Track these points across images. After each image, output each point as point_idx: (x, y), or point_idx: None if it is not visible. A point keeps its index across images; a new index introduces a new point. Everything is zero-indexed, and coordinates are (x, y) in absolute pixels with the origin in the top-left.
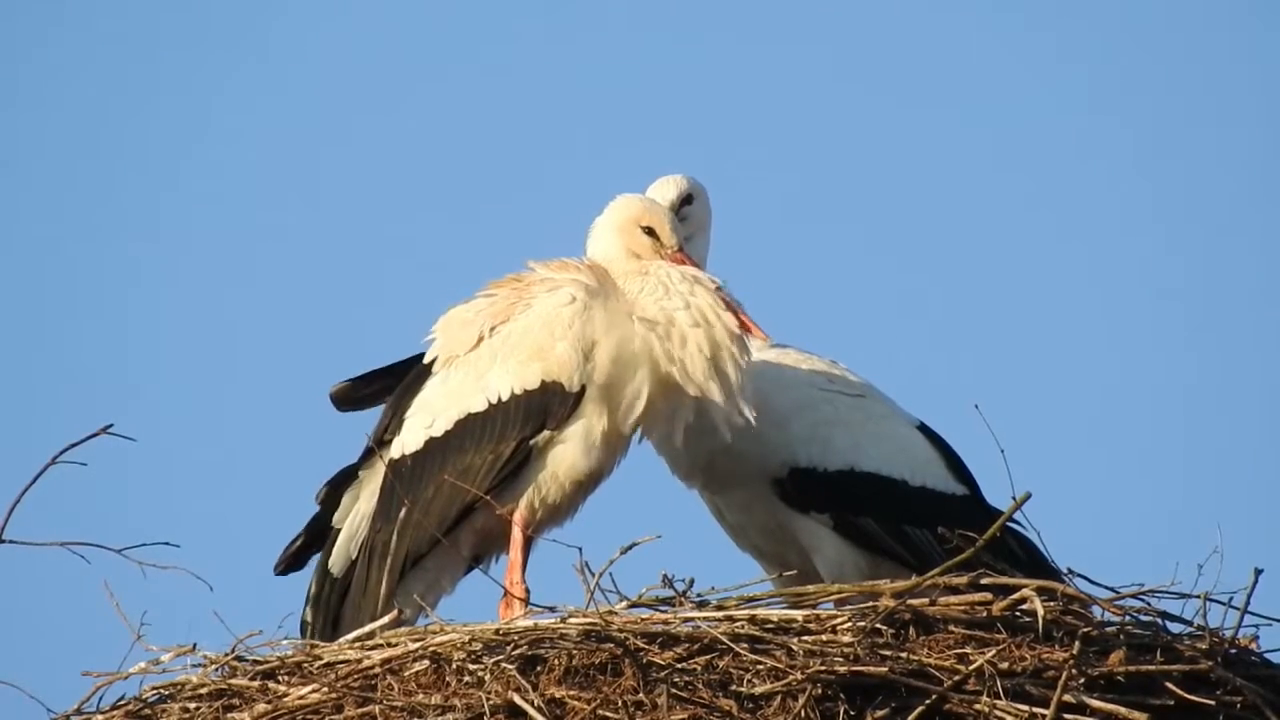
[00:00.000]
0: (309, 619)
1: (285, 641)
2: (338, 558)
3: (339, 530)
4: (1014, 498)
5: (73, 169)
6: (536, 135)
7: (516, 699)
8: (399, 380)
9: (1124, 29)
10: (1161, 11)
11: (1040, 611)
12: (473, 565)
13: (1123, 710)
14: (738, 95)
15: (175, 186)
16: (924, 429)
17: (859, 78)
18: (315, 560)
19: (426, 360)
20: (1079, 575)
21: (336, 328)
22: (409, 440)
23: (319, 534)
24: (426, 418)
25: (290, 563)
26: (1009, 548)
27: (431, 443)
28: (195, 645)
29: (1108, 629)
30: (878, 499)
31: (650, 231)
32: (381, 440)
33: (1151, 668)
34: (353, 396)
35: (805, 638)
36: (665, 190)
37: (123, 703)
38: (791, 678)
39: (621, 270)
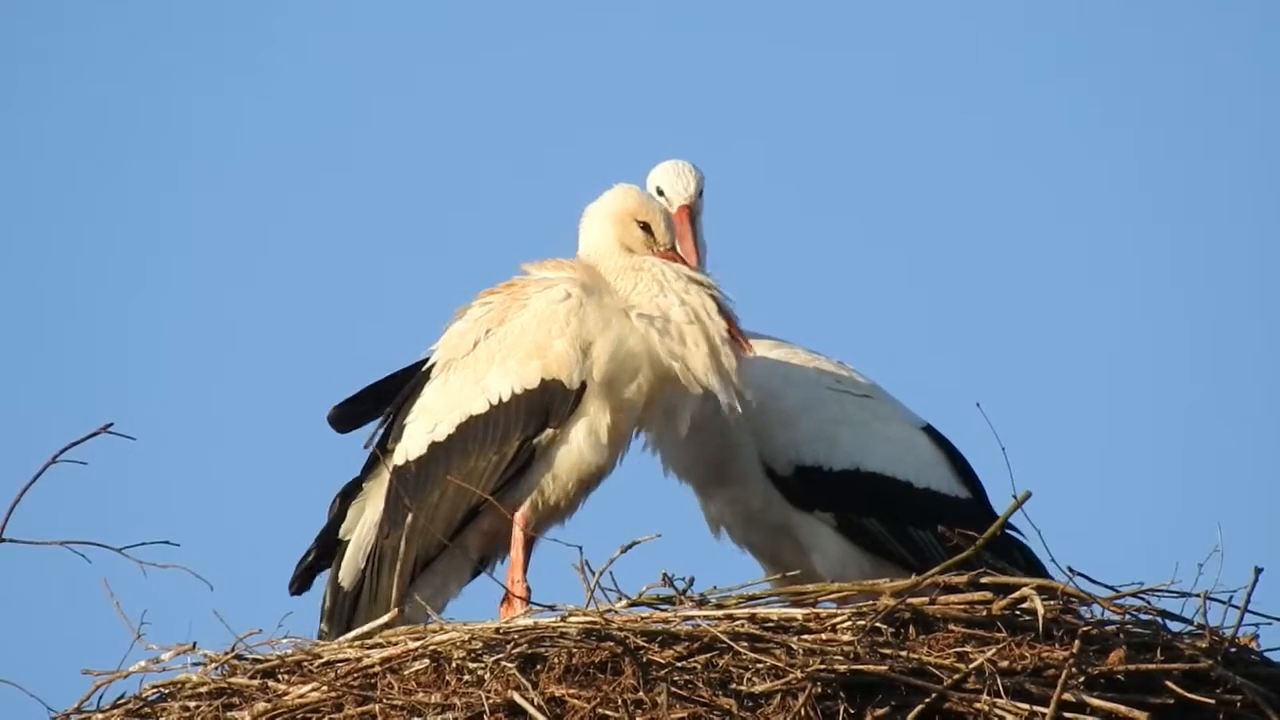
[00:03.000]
0: (325, 630)
1: (285, 640)
2: (347, 569)
3: (348, 543)
4: (1014, 497)
5: (73, 168)
6: (537, 132)
7: (516, 698)
8: (394, 393)
9: (1125, 28)
10: (1162, 11)
11: (1040, 610)
12: (480, 568)
13: (1123, 709)
14: (736, 89)
15: (175, 186)
16: (930, 431)
17: (859, 74)
18: (327, 574)
19: (426, 367)
20: (1079, 574)
21: (338, 327)
22: (412, 446)
23: (328, 548)
24: (428, 422)
25: (304, 580)
26: (1009, 549)
27: (435, 447)
28: (195, 644)
29: (1108, 628)
30: (882, 499)
31: (645, 227)
32: (384, 448)
33: (1151, 666)
34: (351, 416)
35: (805, 636)
36: (685, 180)
37: (123, 701)
38: (791, 676)
39: (614, 265)
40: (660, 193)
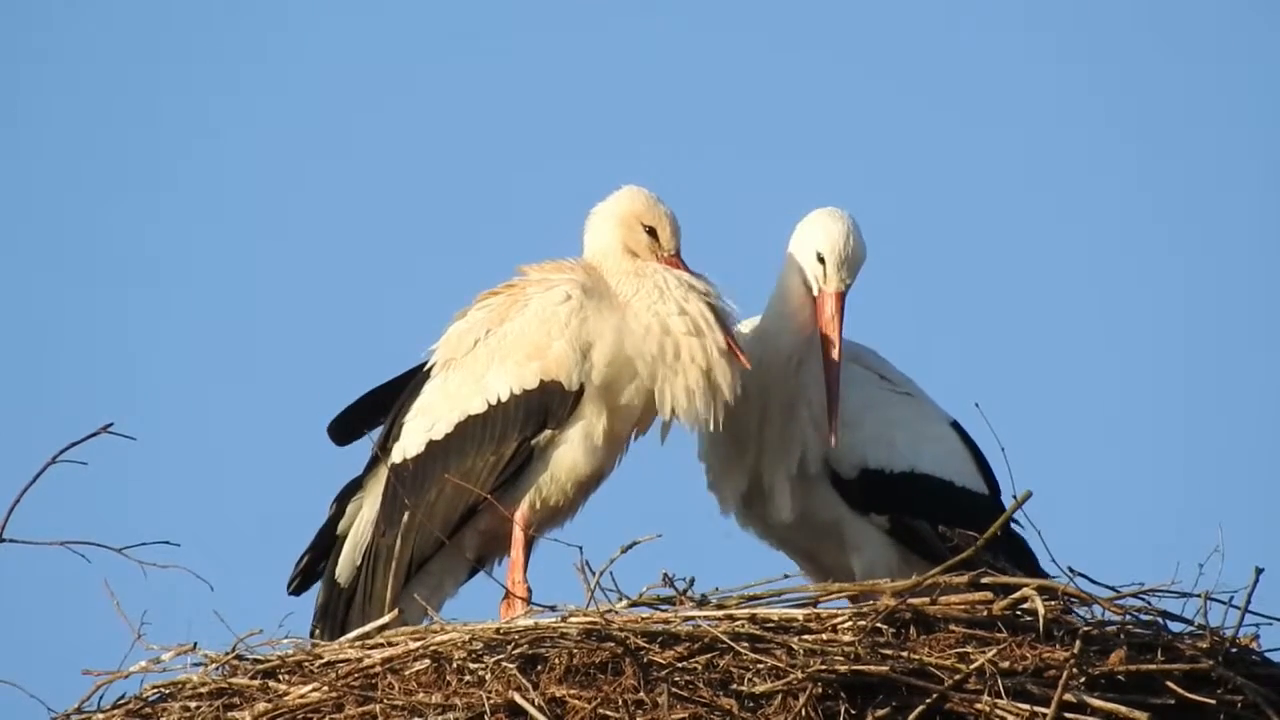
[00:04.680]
0: (318, 627)
1: (285, 640)
2: (344, 566)
3: (345, 539)
4: (1014, 496)
5: (73, 167)
6: (537, 132)
7: (517, 698)
8: (391, 401)
9: (1125, 29)
10: (1162, 11)
11: (1041, 611)
12: (476, 567)
13: (1123, 709)
14: (734, 90)
15: (176, 186)
16: (956, 427)
17: (858, 79)
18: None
19: (427, 367)
20: (1080, 575)
21: (337, 326)
22: (410, 444)
23: (326, 546)
24: (427, 421)
25: (302, 580)
26: (998, 549)
27: (433, 446)
28: (196, 644)
29: (1108, 628)
30: (931, 500)
31: (651, 231)
32: (384, 446)
33: (1152, 667)
34: (349, 428)
35: (806, 637)
36: (856, 260)
37: (123, 702)
38: (792, 677)
39: (616, 268)
40: (820, 259)
